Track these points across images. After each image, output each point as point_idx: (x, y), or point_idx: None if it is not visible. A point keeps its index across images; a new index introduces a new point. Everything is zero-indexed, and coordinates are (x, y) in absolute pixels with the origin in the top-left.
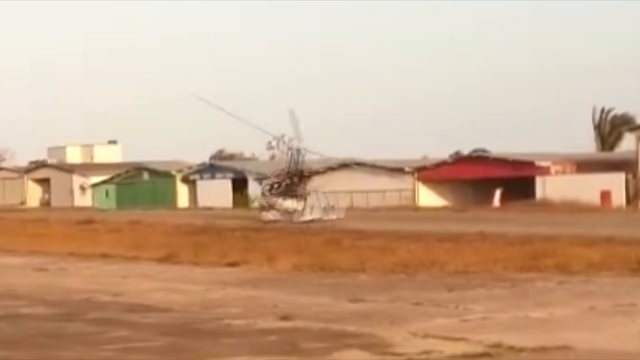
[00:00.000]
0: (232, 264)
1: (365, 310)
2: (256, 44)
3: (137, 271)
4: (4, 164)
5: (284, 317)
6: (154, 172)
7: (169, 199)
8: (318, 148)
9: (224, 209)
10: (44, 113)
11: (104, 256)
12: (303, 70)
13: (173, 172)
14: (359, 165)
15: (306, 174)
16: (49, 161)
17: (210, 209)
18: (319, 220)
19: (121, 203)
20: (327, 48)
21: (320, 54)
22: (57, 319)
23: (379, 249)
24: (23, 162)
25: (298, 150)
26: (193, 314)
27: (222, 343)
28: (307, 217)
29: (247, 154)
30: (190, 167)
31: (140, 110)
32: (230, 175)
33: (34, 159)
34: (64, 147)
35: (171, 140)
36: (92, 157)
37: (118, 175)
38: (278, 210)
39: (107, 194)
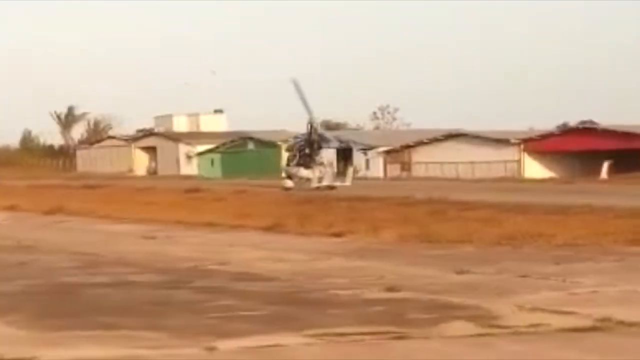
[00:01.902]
0: (338, 234)
1: (471, 282)
2: None
3: (242, 240)
4: (112, 132)
5: (390, 288)
6: (259, 142)
7: (274, 168)
8: (420, 119)
9: None
10: (151, 82)
11: (210, 224)
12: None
13: (278, 142)
14: (465, 136)
15: (319, 145)
16: (156, 129)
17: None
18: (327, 187)
19: (226, 172)
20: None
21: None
22: (165, 287)
23: (485, 220)
24: (130, 131)
25: (311, 123)
26: (299, 283)
27: (327, 313)
28: (316, 184)
29: (352, 125)
30: (295, 137)
31: (247, 80)
32: (335, 145)
33: (141, 127)
34: (170, 116)
35: (276, 109)
36: (198, 126)
37: (223, 144)
38: (294, 178)
39: (212, 163)
